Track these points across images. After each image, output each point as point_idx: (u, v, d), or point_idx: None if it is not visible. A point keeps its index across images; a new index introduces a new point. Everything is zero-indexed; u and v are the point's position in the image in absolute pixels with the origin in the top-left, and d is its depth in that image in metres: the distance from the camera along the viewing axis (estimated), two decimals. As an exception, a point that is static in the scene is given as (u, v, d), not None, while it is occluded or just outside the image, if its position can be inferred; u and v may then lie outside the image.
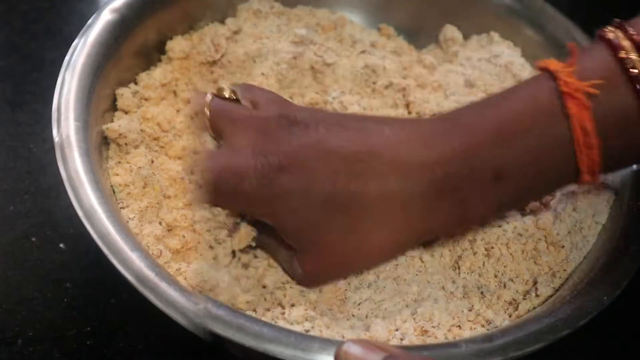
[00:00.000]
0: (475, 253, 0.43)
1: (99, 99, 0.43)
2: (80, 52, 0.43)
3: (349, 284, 0.41)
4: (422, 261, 0.43)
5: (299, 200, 0.38)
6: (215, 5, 0.53)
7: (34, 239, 0.49)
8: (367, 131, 0.39)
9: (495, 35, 0.58)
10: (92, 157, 0.39)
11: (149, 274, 0.35)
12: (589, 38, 0.53)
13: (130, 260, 0.35)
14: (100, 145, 0.43)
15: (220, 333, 0.34)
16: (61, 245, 0.49)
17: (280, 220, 0.39)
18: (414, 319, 0.40)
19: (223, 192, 0.38)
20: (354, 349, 0.30)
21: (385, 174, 0.38)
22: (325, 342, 0.35)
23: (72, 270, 0.47)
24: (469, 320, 0.40)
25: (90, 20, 0.45)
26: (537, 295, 0.43)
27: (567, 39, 0.53)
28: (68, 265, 0.48)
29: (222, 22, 0.53)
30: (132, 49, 0.47)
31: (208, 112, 0.41)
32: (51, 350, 0.44)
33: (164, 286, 0.35)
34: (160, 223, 0.41)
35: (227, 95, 0.43)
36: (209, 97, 0.41)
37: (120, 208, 0.41)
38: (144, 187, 0.42)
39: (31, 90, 0.58)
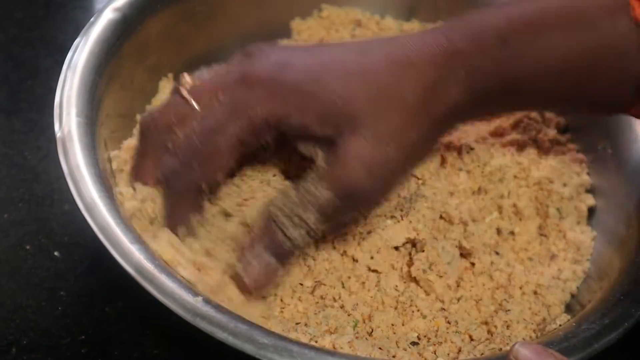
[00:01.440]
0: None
1: (101, 96, 0.46)
2: (82, 50, 0.46)
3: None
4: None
5: (317, 80, 0.40)
6: (218, 7, 0.55)
7: (28, 247, 0.50)
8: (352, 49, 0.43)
9: None
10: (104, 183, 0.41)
11: (149, 266, 0.37)
12: None
13: (130, 253, 0.37)
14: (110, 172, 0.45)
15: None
16: (56, 253, 0.50)
17: (305, 108, 0.40)
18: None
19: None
20: (524, 352, 0.33)
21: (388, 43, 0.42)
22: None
23: (67, 279, 0.49)
24: None
25: (92, 19, 0.48)
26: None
27: None
28: (62, 274, 0.49)
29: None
30: (134, 47, 0.50)
31: (192, 97, 0.42)
32: (45, 358, 0.46)
33: (163, 278, 0.37)
34: None
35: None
36: (183, 90, 0.42)
37: None
38: None
39: (26, 98, 0.59)
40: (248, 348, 0.35)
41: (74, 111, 0.43)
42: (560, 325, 0.44)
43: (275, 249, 0.40)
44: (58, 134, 0.42)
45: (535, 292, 0.47)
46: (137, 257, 0.37)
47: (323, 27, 0.60)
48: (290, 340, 0.36)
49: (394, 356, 0.40)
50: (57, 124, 0.42)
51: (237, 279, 0.40)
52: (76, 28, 0.66)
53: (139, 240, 0.38)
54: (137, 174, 0.43)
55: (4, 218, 0.52)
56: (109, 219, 0.38)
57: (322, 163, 0.40)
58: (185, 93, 0.41)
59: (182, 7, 0.53)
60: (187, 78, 0.42)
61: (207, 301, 0.36)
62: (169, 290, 0.36)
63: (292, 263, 0.43)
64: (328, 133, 0.40)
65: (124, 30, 0.48)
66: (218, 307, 0.36)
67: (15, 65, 0.62)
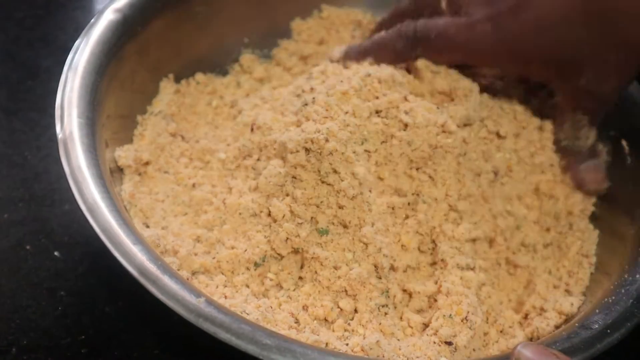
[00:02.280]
0: None
1: (101, 97, 0.45)
2: (83, 51, 0.46)
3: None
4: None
5: (541, 31, 0.46)
6: (218, 7, 0.55)
7: (28, 247, 0.50)
8: None
9: None
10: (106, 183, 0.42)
11: (151, 266, 0.37)
12: None
13: (132, 254, 0.37)
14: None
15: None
16: (56, 253, 0.50)
17: (529, 55, 0.47)
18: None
19: (469, 50, 0.48)
20: (526, 353, 0.34)
21: None
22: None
23: (67, 279, 0.49)
24: None
25: (92, 20, 0.48)
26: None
27: None
28: (62, 274, 0.49)
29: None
30: (134, 48, 0.49)
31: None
32: (45, 358, 0.45)
33: (165, 279, 0.37)
34: None
35: None
36: None
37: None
38: None
39: (26, 98, 0.59)
40: (251, 349, 0.35)
41: (75, 112, 0.42)
42: (572, 304, 0.46)
43: (584, 159, 0.51)
44: (59, 135, 0.41)
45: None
46: (139, 258, 0.37)
47: (323, 27, 0.60)
48: (293, 341, 0.36)
49: None
50: (59, 125, 0.42)
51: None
52: (76, 28, 0.66)
53: (141, 241, 0.38)
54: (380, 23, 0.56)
55: (4, 218, 0.52)
56: (110, 219, 0.38)
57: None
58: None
59: (182, 8, 0.53)
60: None
61: (210, 302, 0.36)
62: (171, 291, 0.36)
63: None
64: (551, 75, 0.48)
65: (125, 31, 0.48)
66: (221, 308, 0.36)
67: (16, 65, 0.62)
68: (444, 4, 0.50)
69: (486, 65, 0.50)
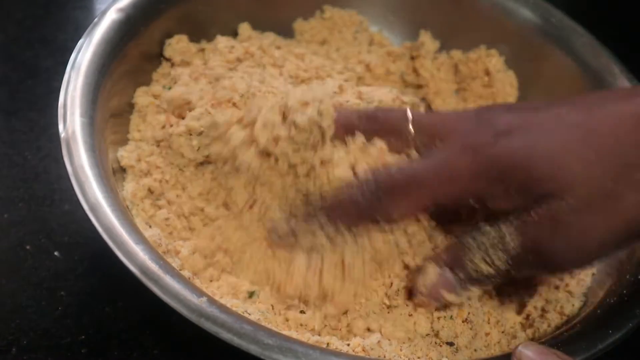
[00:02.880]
0: None
1: (105, 97, 0.45)
2: (86, 50, 0.46)
3: None
4: None
5: (529, 153, 0.37)
6: (220, 7, 0.55)
7: (28, 247, 0.50)
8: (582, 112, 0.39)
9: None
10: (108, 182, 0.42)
11: (153, 266, 0.37)
12: (616, 58, 0.57)
13: (134, 253, 0.38)
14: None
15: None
16: (56, 253, 0.50)
17: (507, 182, 0.38)
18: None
19: (442, 185, 0.40)
20: (527, 353, 0.34)
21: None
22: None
23: (67, 279, 0.49)
24: None
25: (95, 19, 0.48)
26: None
27: (595, 61, 0.57)
28: (63, 274, 0.49)
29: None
30: (137, 48, 0.50)
31: (411, 126, 0.42)
32: (45, 358, 0.45)
33: (167, 279, 0.37)
34: None
35: (422, 109, 0.46)
36: (409, 112, 0.43)
37: None
38: None
39: (26, 98, 0.59)
40: (253, 349, 0.35)
41: (78, 111, 0.43)
42: (573, 304, 0.45)
43: (458, 273, 0.41)
44: (62, 135, 0.42)
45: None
46: (141, 258, 0.37)
47: (326, 27, 0.60)
48: (295, 341, 0.36)
49: None
50: (61, 124, 0.42)
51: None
52: (76, 28, 0.66)
53: (143, 240, 0.38)
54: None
55: (4, 218, 0.52)
56: (113, 219, 0.38)
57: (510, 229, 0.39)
58: (409, 117, 0.42)
59: (185, 7, 0.53)
60: (415, 111, 0.43)
61: (212, 302, 0.36)
62: (173, 291, 0.36)
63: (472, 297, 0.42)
64: (526, 203, 0.38)
65: (128, 30, 0.48)
66: (223, 308, 0.36)
67: (15, 66, 0.62)
68: (411, 129, 0.43)
69: (460, 200, 0.40)
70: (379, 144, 0.43)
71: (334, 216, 0.41)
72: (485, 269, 0.40)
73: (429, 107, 0.47)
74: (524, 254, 0.38)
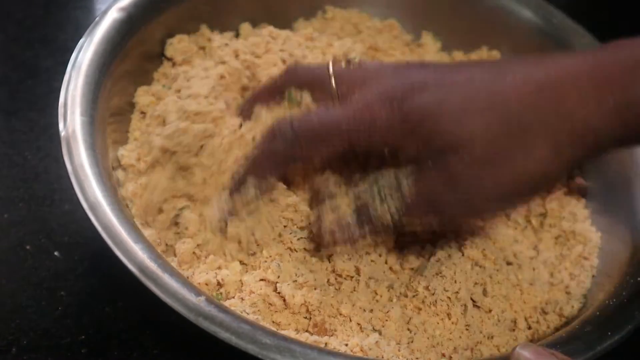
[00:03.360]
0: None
1: (105, 96, 0.46)
2: (87, 49, 0.46)
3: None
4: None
5: (439, 109, 0.40)
6: (221, 7, 0.55)
7: (28, 247, 0.50)
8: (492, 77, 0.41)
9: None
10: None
11: (151, 265, 0.37)
12: None
13: (133, 252, 0.38)
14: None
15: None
16: (56, 253, 0.50)
17: (418, 134, 0.40)
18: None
19: (359, 131, 0.41)
20: (525, 354, 0.34)
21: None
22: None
23: (67, 279, 0.49)
24: None
25: (97, 19, 0.48)
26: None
27: None
28: (63, 274, 0.49)
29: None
30: (138, 47, 0.50)
31: (333, 80, 0.44)
32: (45, 358, 0.46)
33: (166, 277, 0.37)
34: None
35: (343, 64, 0.46)
36: (330, 66, 0.45)
37: None
38: None
39: (26, 98, 0.59)
40: (251, 348, 0.35)
41: (78, 110, 0.43)
42: (572, 306, 0.46)
43: (360, 213, 0.43)
44: (62, 133, 0.42)
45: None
46: (140, 257, 0.38)
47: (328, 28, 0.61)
48: (293, 341, 0.36)
49: None
50: (62, 123, 0.42)
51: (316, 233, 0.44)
52: (76, 28, 0.66)
53: (142, 239, 0.38)
54: (244, 110, 0.48)
55: (4, 218, 0.52)
56: (112, 218, 0.39)
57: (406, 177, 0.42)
58: (331, 71, 0.45)
59: (186, 7, 0.54)
60: (341, 62, 0.45)
61: (210, 301, 0.36)
62: (172, 289, 0.37)
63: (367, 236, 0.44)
64: (429, 156, 0.41)
65: (129, 29, 0.49)
66: (221, 307, 0.36)
67: (15, 66, 0.62)
68: (333, 83, 0.44)
69: (374, 148, 0.43)
70: (305, 97, 0.45)
71: (261, 172, 0.44)
72: (383, 215, 0.42)
73: (348, 62, 0.47)
74: (417, 202, 0.42)
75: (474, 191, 0.40)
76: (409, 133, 0.40)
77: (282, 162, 0.44)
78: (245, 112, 0.48)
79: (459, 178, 0.40)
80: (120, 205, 0.40)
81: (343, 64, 0.46)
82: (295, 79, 0.46)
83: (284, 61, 0.53)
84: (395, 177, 0.42)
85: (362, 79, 0.44)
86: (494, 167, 0.39)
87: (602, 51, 0.40)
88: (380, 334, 0.42)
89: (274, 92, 0.47)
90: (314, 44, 0.56)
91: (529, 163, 0.39)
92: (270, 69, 0.52)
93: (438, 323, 0.43)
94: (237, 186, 0.44)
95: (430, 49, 0.61)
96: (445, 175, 0.40)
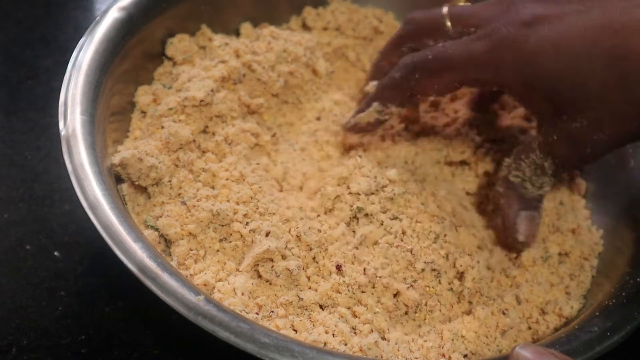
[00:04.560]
0: None
1: (105, 95, 0.46)
2: (87, 48, 0.47)
3: None
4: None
5: (556, 58, 0.41)
6: (222, 6, 0.56)
7: (28, 247, 0.50)
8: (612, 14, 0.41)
9: None
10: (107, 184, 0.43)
11: (151, 264, 0.38)
12: None
13: (132, 251, 0.38)
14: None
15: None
16: (56, 253, 0.50)
17: (533, 83, 0.43)
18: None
19: (470, 69, 0.45)
20: (524, 354, 0.35)
21: None
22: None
23: (67, 279, 0.49)
24: None
25: (97, 18, 0.49)
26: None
27: None
28: (63, 274, 0.50)
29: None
30: (139, 46, 0.51)
31: (448, 20, 0.48)
32: (45, 358, 0.46)
33: (165, 277, 0.37)
34: None
35: (461, 2, 0.52)
36: (445, 8, 0.49)
37: None
38: None
39: (26, 98, 0.60)
40: (250, 347, 0.36)
41: (78, 109, 0.43)
42: (572, 306, 0.46)
43: (528, 206, 0.46)
44: (62, 132, 0.42)
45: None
46: (139, 256, 0.38)
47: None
48: (292, 340, 0.36)
49: None
50: (62, 122, 0.43)
51: (506, 241, 0.48)
52: (76, 28, 0.67)
53: (141, 238, 0.39)
54: (375, 72, 0.54)
55: (4, 218, 0.52)
56: (112, 217, 0.39)
57: (538, 136, 0.45)
58: (445, 11, 0.48)
59: (187, 6, 0.54)
60: (451, 5, 0.49)
61: (209, 300, 0.37)
62: (171, 288, 0.37)
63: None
64: (546, 107, 0.43)
65: (129, 29, 0.49)
66: (220, 306, 0.37)
67: (15, 65, 0.63)
68: (448, 23, 0.48)
69: (486, 86, 0.48)
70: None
71: (383, 98, 0.49)
72: (540, 191, 0.46)
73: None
74: (557, 169, 0.45)
75: (597, 149, 0.43)
76: (523, 78, 0.43)
77: (401, 90, 0.48)
78: (376, 73, 0.54)
79: (583, 141, 0.43)
80: (120, 204, 0.41)
81: (462, 2, 0.50)
82: (414, 26, 0.50)
83: (284, 61, 0.53)
84: (529, 161, 0.46)
85: (475, 17, 0.47)
86: (612, 127, 0.42)
87: None
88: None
89: (399, 45, 0.51)
90: (314, 44, 0.56)
91: (634, 121, 0.41)
92: (270, 71, 0.53)
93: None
94: (364, 107, 0.50)
95: None
96: (571, 140, 0.43)
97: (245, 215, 0.44)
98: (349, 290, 0.43)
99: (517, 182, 0.46)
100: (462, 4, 0.50)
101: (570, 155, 0.44)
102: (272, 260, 0.42)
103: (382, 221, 0.46)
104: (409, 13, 0.51)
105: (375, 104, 0.49)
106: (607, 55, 0.40)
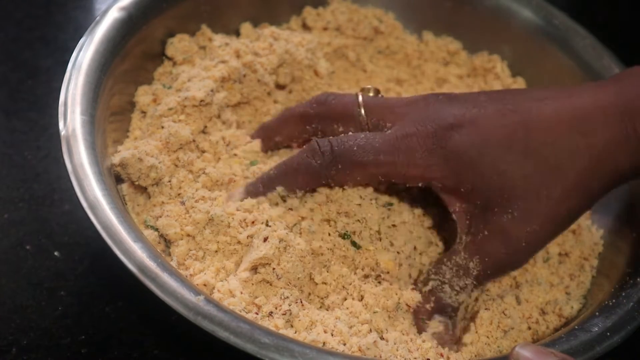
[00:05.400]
0: None
1: (105, 95, 0.47)
2: (87, 48, 0.47)
3: None
4: None
5: (479, 152, 0.42)
6: (222, 6, 0.56)
7: (28, 247, 0.50)
8: (523, 112, 0.43)
9: None
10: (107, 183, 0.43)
11: (151, 264, 0.38)
12: (618, 60, 0.58)
13: (132, 251, 0.38)
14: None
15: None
16: (56, 253, 0.50)
17: (461, 176, 0.43)
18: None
19: (396, 163, 0.43)
20: (524, 354, 0.35)
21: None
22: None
23: (67, 279, 0.50)
24: None
25: (97, 18, 0.49)
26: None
27: (597, 63, 0.58)
28: (62, 274, 0.50)
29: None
30: (139, 46, 0.51)
31: (362, 109, 0.46)
32: (45, 358, 0.46)
33: (165, 277, 0.38)
34: None
35: (371, 94, 0.48)
36: (359, 96, 0.46)
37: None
38: None
39: (26, 98, 0.60)
40: (249, 348, 0.36)
41: (78, 109, 0.44)
42: (572, 307, 0.46)
43: (445, 312, 0.45)
44: (62, 132, 0.42)
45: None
46: (139, 256, 0.38)
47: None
48: (292, 340, 0.37)
49: None
50: (62, 122, 0.43)
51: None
52: (76, 28, 0.67)
53: (141, 238, 0.39)
54: (265, 136, 0.50)
55: (4, 218, 0.53)
56: (112, 217, 0.39)
57: (463, 235, 0.44)
58: (360, 100, 0.46)
59: (187, 6, 0.54)
60: (370, 92, 0.48)
61: (209, 300, 0.37)
62: (171, 289, 0.37)
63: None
64: (476, 203, 0.43)
65: (130, 29, 0.49)
66: (220, 306, 0.37)
67: (15, 66, 0.63)
68: (363, 113, 0.46)
69: (411, 181, 0.44)
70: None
71: (292, 184, 0.45)
72: (458, 297, 0.45)
73: (377, 92, 0.49)
74: (485, 272, 0.44)
75: (532, 242, 0.43)
76: (449, 171, 0.43)
77: (315, 179, 0.44)
78: (262, 133, 0.50)
79: (515, 235, 0.42)
80: (119, 204, 0.41)
81: (371, 93, 0.48)
82: (326, 109, 0.47)
83: (285, 63, 0.54)
84: (452, 262, 0.44)
85: (392, 112, 0.45)
86: (540, 216, 0.42)
87: (624, 80, 0.42)
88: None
89: (305, 122, 0.48)
90: (315, 45, 0.57)
91: (561, 203, 0.42)
92: (271, 73, 0.53)
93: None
94: (264, 190, 0.45)
95: (432, 49, 0.62)
96: (501, 235, 0.43)
97: (242, 220, 0.44)
98: (349, 290, 0.43)
99: (435, 286, 0.45)
100: (371, 94, 0.48)
101: (500, 251, 0.43)
102: (270, 265, 0.42)
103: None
104: (321, 96, 0.48)
105: (280, 189, 0.45)
106: (524, 148, 0.42)
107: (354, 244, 0.45)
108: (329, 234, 0.45)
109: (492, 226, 0.43)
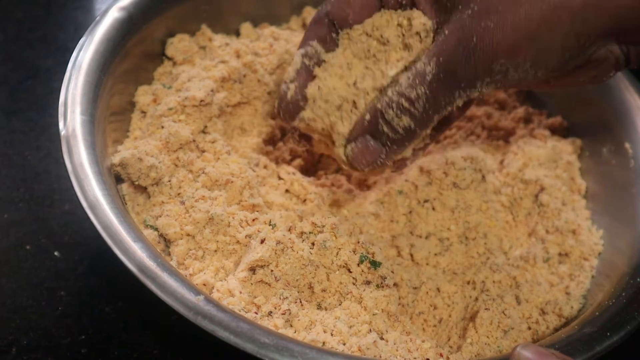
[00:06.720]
0: None
1: (105, 95, 0.47)
2: (87, 48, 0.47)
3: None
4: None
5: None
6: (222, 8, 0.56)
7: (28, 247, 0.50)
8: None
9: None
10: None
11: (151, 264, 0.38)
12: None
13: (132, 251, 0.38)
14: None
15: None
16: (56, 253, 0.50)
17: None
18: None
19: None
20: (526, 355, 0.35)
21: None
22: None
23: (67, 279, 0.50)
24: None
25: (97, 18, 0.49)
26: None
27: None
28: (62, 274, 0.50)
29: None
30: (139, 46, 0.51)
31: None
32: (45, 358, 0.47)
33: (165, 276, 0.38)
34: None
35: None
36: None
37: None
38: None
39: (26, 98, 0.60)
40: (249, 347, 0.36)
41: (78, 109, 0.44)
42: (572, 307, 0.46)
43: (378, 134, 0.42)
44: (62, 132, 0.43)
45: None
46: (139, 256, 0.38)
47: None
48: (291, 340, 0.37)
49: None
50: (62, 122, 0.43)
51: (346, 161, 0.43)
52: (76, 28, 0.67)
53: (141, 238, 0.39)
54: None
55: (4, 218, 0.53)
56: (112, 217, 0.39)
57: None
58: None
59: (187, 6, 0.54)
60: None
61: (209, 300, 0.37)
62: (170, 288, 0.37)
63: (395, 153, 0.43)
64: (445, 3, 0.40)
65: (130, 29, 0.49)
66: (219, 306, 0.37)
67: (16, 66, 0.63)
68: None
69: None
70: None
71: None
72: (404, 120, 0.41)
73: None
74: (437, 75, 0.39)
75: (485, 42, 0.38)
76: None
77: None
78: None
79: (471, 32, 0.38)
80: (119, 204, 0.41)
81: None
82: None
83: (285, 62, 0.54)
84: (409, 70, 0.41)
85: None
86: (498, 14, 0.38)
87: None
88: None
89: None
90: None
91: (520, 7, 0.37)
92: (271, 73, 0.53)
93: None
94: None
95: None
96: (459, 33, 0.39)
97: (242, 221, 0.44)
98: (348, 292, 0.44)
99: (381, 104, 0.41)
100: None
101: (451, 44, 0.39)
102: (267, 266, 0.42)
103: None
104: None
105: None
106: None
107: (373, 263, 0.44)
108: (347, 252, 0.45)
109: (453, 25, 0.40)
